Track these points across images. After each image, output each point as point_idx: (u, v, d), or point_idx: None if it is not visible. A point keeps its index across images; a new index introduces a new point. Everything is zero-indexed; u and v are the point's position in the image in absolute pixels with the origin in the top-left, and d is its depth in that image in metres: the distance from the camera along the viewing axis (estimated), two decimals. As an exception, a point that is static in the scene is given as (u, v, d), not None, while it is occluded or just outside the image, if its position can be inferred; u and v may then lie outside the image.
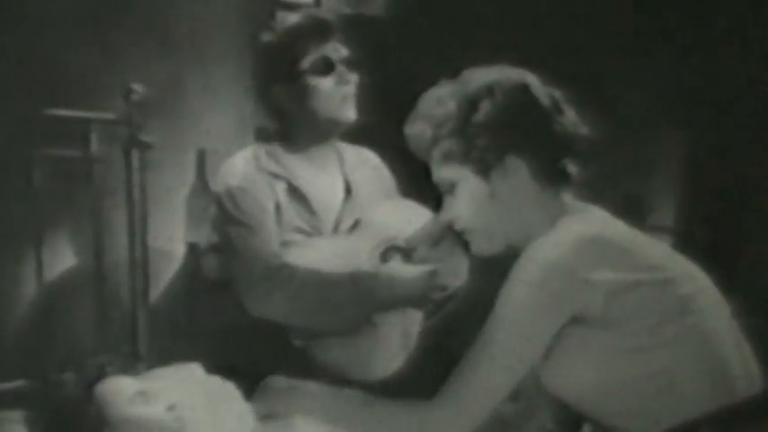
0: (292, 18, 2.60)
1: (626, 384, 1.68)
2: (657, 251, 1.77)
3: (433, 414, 1.72)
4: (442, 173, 1.83)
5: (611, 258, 1.68)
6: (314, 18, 2.57)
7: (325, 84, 2.52)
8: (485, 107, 1.77)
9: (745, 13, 3.67)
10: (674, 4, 3.76)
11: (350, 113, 2.55)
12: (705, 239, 3.69)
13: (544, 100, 1.79)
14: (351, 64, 2.54)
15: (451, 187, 1.83)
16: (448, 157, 1.80)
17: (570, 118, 1.80)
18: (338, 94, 2.52)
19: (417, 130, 1.83)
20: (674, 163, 3.99)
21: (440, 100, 1.81)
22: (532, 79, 1.81)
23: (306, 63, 2.50)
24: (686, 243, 3.70)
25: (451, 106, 1.79)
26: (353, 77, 2.55)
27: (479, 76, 1.81)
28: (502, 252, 1.85)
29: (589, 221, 1.76)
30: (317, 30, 2.53)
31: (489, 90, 1.78)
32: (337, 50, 2.53)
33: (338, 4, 3.41)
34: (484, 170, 1.78)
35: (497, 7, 3.43)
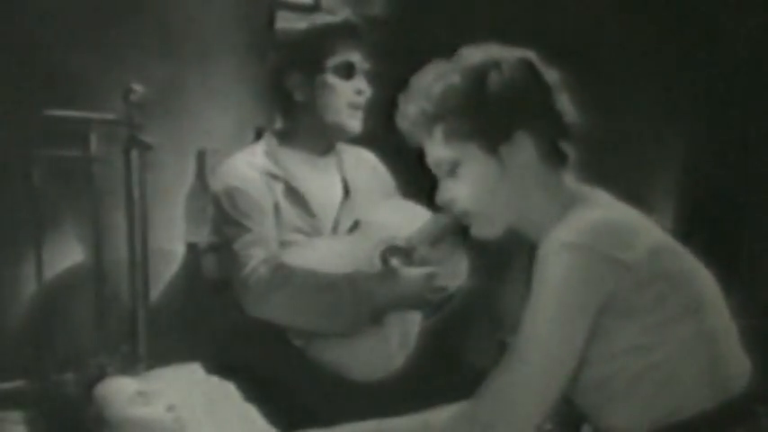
0: (329, 17, 2.64)
1: (626, 377, 1.66)
2: (671, 241, 1.75)
3: (479, 416, 1.65)
4: (444, 152, 1.76)
5: (636, 241, 1.65)
6: (350, 24, 2.59)
7: (341, 87, 2.53)
8: (494, 79, 1.72)
9: (746, 14, 3.67)
10: (674, 5, 3.76)
11: (356, 124, 2.57)
12: (704, 239, 3.68)
13: (548, 77, 1.76)
14: (370, 77, 2.57)
15: (452, 168, 1.76)
16: (451, 135, 1.74)
17: (566, 101, 1.77)
18: (350, 101, 2.54)
19: (415, 108, 1.76)
20: (674, 163, 3.99)
21: (439, 75, 1.75)
22: (533, 56, 1.78)
23: (331, 62, 2.53)
24: (686, 243, 3.70)
25: (455, 80, 1.73)
26: (368, 91, 2.56)
27: (479, 53, 1.76)
28: (501, 237, 1.79)
29: (605, 206, 1.73)
30: (350, 36, 2.56)
31: (496, 63, 1.73)
32: (363, 61, 2.56)
33: (338, 5, 3.41)
34: (492, 146, 1.72)
35: (498, 8, 3.43)
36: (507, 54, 1.76)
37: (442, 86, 1.74)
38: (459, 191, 1.77)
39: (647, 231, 1.70)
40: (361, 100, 2.56)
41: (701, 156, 3.94)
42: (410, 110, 1.77)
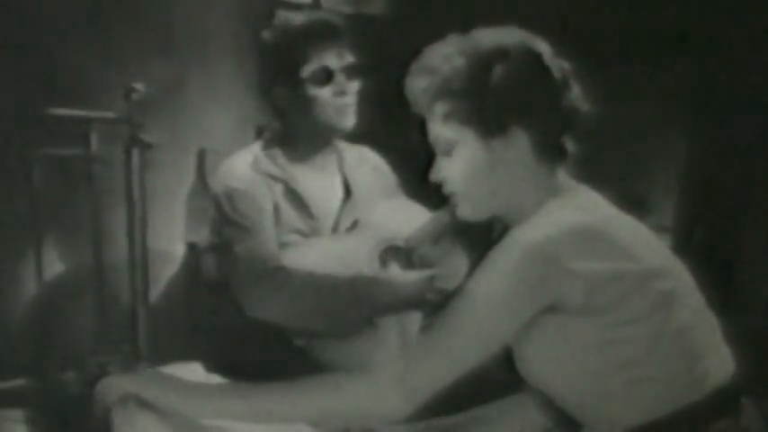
0: (296, 19, 2.53)
1: (597, 373, 1.67)
2: (642, 240, 1.74)
3: (380, 381, 1.68)
4: (442, 131, 1.77)
5: (596, 248, 1.65)
6: (318, 22, 2.51)
7: (324, 93, 2.47)
8: (498, 71, 1.71)
9: (746, 13, 3.67)
10: (675, 4, 3.76)
11: (348, 121, 2.51)
12: (704, 239, 3.69)
13: (556, 72, 1.75)
14: (353, 71, 2.51)
15: (448, 147, 1.77)
16: (450, 116, 1.74)
17: (576, 92, 1.77)
18: (335, 106, 2.48)
19: (421, 83, 1.76)
20: (674, 163, 3.99)
21: (448, 55, 1.74)
22: (546, 48, 1.77)
23: (306, 71, 2.46)
24: (685, 243, 3.70)
25: (460, 63, 1.73)
26: (353, 86, 2.51)
27: (491, 36, 1.75)
28: (486, 221, 1.82)
29: (577, 207, 1.73)
30: (320, 35, 2.48)
31: (504, 53, 1.72)
32: (341, 56, 2.49)
33: (338, 4, 3.41)
34: (486, 136, 1.73)
35: (498, 8, 3.43)
36: (519, 43, 1.75)
37: (449, 67, 1.73)
38: (451, 171, 1.78)
39: (608, 238, 1.68)
40: (347, 100, 2.49)
41: (701, 155, 3.94)
42: (416, 83, 1.78)
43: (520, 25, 1.81)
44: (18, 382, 2.61)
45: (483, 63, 1.72)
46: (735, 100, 3.77)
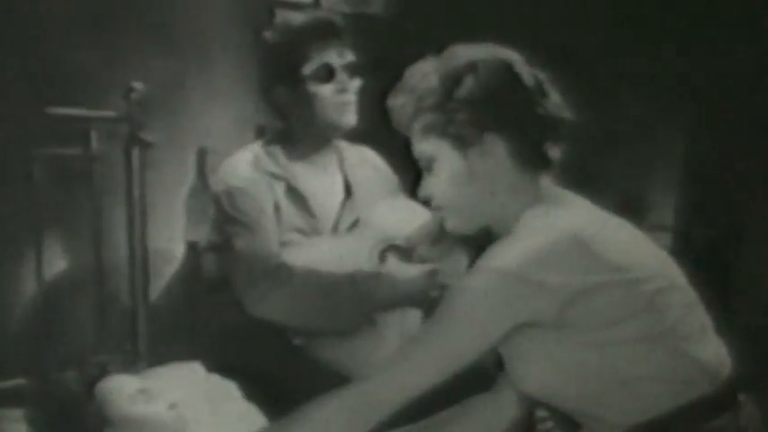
0: (297, 18, 2.55)
1: (587, 377, 1.68)
2: (628, 245, 1.74)
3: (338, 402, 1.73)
4: (422, 147, 1.81)
5: (572, 263, 1.66)
6: (319, 21, 2.53)
7: (325, 91, 2.48)
8: (467, 82, 1.75)
9: (746, 12, 3.67)
10: (674, 2, 3.77)
11: (350, 119, 2.53)
12: (704, 239, 3.69)
13: (528, 80, 1.77)
14: (354, 69, 2.52)
15: (429, 163, 1.81)
16: (427, 131, 1.78)
17: (554, 100, 1.78)
18: (336, 103, 2.50)
19: (399, 103, 1.82)
20: (674, 163, 4.00)
21: (424, 74, 1.79)
22: (517, 58, 1.79)
23: (307, 69, 2.48)
24: (685, 242, 3.71)
25: (434, 80, 1.77)
26: (354, 84, 2.52)
27: (464, 52, 1.79)
28: (478, 232, 1.84)
29: (556, 218, 1.74)
30: (321, 33, 2.49)
31: (473, 66, 1.76)
32: (342, 55, 2.50)
33: (338, 4, 3.41)
34: (462, 146, 1.76)
35: (498, 8, 3.43)
36: (490, 56, 1.78)
37: (423, 85, 1.78)
38: (435, 186, 1.82)
39: (586, 250, 1.68)
40: (348, 97, 2.50)
41: (700, 155, 3.94)
42: (395, 102, 1.83)
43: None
44: (18, 382, 2.61)
45: (453, 77, 1.76)
46: (734, 99, 3.78)
